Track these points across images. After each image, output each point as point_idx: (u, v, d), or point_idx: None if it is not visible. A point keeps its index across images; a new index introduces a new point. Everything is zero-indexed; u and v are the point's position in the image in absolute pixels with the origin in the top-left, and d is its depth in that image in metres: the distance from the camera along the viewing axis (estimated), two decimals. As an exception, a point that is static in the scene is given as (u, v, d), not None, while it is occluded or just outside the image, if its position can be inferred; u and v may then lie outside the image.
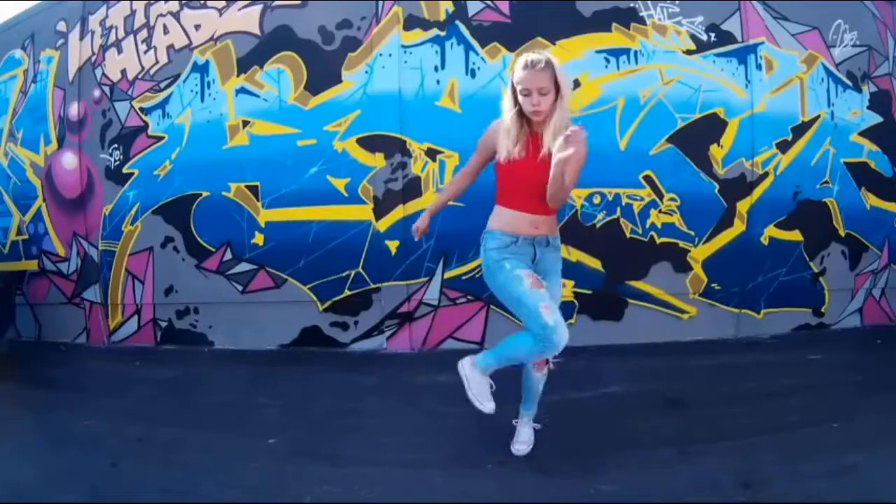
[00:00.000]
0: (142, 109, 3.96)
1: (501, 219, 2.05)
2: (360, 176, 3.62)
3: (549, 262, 2.08)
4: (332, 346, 3.75)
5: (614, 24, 3.55)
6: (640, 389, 2.88)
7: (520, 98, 1.92)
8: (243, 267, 3.82)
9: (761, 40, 3.62)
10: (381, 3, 3.58)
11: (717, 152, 3.61)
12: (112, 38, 4.04)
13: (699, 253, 3.66)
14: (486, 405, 2.03)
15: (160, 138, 3.92)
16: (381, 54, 3.57)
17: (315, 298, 3.74)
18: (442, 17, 3.56)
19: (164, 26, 3.91)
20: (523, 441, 2.25)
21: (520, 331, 1.99)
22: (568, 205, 3.57)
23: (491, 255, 2.03)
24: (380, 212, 3.61)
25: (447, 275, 3.61)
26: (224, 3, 3.77)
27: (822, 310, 3.86)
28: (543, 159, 1.93)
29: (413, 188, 3.59)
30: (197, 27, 3.84)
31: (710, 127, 3.60)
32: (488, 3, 3.56)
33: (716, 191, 3.63)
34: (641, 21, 3.56)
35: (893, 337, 3.73)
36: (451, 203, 2.23)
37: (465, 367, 2.09)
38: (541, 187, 1.95)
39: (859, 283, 3.93)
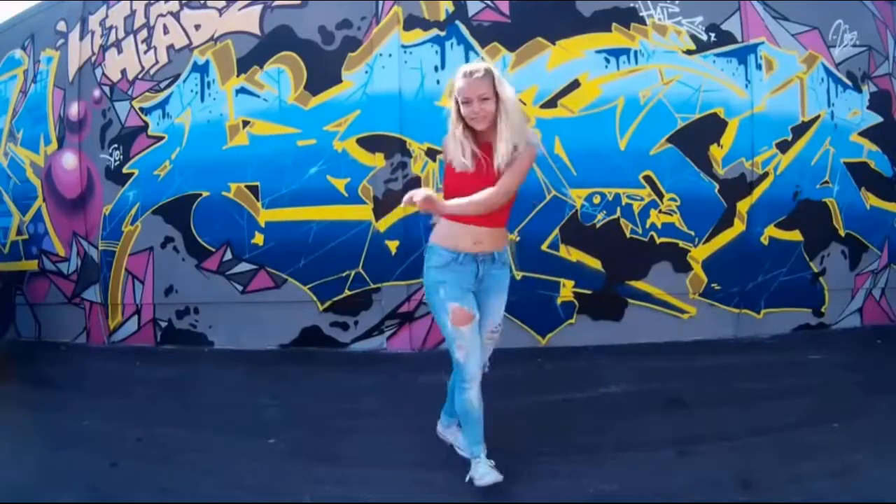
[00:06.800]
0: (142, 109, 3.96)
1: (444, 233, 2.04)
2: (360, 176, 3.62)
3: (493, 278, 2.05)
4: (332, 346, 3.75)
5: (614, 24, 3.55)
6: (640, 389, 2.88)
7: (462, 109, 1.91)
8: (243, 267, 3.82)
9: (761, 40, 3.61)
10: (381, 3, 3.58)
11: (717, 152, 3.61)
12: (112, 38, 4.03)
13: (699, 253, 3.66)
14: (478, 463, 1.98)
15: (160, 138, 3.92)
16: (381, 54, 3.57)
17: (315, 298, 3.74)
18: (442, 17, 3.56)
19: (164, 26, 3.91)
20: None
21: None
22: (568, 205, 3.58)
23: (430, 274, 2.04)
24: (380, 212, 3.61)
25: (447, 275, 3.61)
26: (224, 3, 3.77)
27: (822, 310, 3.86)
28: (491, 169, 1.92)
29: (413, 188, 3.54)
30: (197, 27, 3.83)
31: (710, 127, 3.60)
32: (488, 3, 3.56)
33: (716, 191, 3.63)
34: (641, 21, 3.56)
35: (893, 337, 3.73)
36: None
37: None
38: None
39: (859, 283, 3.93)
